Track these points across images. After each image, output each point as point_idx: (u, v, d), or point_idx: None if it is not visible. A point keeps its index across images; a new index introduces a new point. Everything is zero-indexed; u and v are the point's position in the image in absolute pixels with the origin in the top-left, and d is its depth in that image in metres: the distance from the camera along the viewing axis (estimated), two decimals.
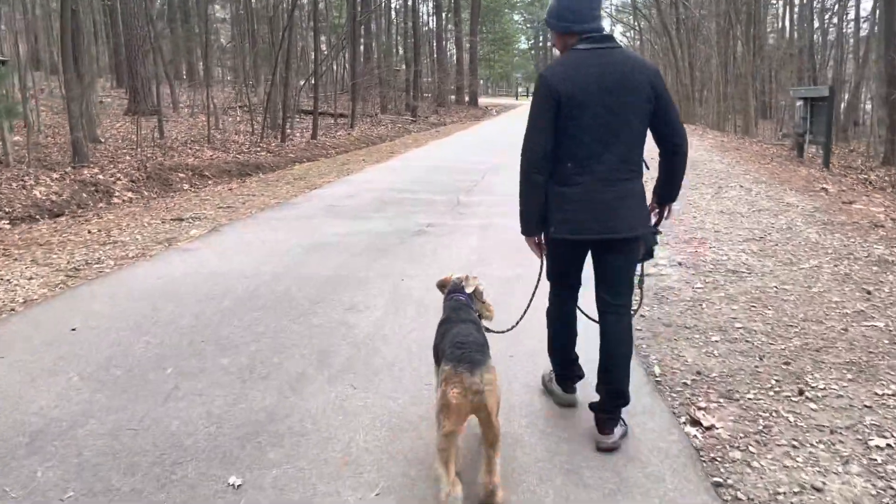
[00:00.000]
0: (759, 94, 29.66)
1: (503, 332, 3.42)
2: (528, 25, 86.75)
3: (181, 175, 13.31)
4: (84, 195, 10.79)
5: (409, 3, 34.57)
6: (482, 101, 47.65)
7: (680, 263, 6.12)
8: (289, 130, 20.62)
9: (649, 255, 3.18)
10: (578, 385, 3.42)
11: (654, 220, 3.27)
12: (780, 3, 32.61)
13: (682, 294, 5.26)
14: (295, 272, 5.88)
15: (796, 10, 33.60)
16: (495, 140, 19.79)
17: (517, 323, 3.49)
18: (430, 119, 30.89)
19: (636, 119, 2.94)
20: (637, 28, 60.45)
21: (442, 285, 3.31)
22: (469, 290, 3.16)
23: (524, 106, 47.02)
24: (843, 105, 28.81)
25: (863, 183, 11.95)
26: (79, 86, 13.53)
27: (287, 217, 8.47)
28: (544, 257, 3.27)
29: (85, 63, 15.39)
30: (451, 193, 10.10)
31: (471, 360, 2.49)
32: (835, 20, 34.06)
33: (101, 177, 11.73)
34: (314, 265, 6.12)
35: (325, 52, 31.53)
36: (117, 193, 11.31)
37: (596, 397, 3.13)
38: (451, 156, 15.46)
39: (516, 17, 79.56)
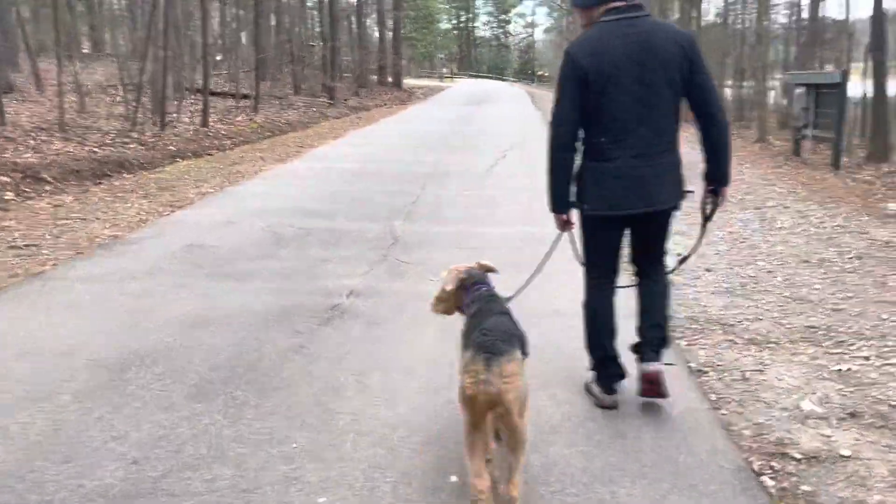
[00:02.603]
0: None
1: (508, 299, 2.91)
2: (451, 5, 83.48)
3: (4, 179, 9.51)
4: None
5: None
6: (406, 82, 44.06)
7: (852, 414, 3.10)
8: (174, 115, 16.78)
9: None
10: (621, 386, 3.12)
11: (708, 209, 3.15)
12: None
13: None
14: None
15: None
16: (430, 130, 16.45)
17: (523, 287, 3.22)
18: (349, 102, 27.19)
19: (669, 90, 2.85)
20: (567, 9, 58.14)
21: (462, 286, 2.85)
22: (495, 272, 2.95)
23: (451, 89, 43.69)
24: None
25: None
26: None
27: (108, 274, 5.02)
28: (577, 239, 3.18)
29: None
30: (383, 220, 6.82)
31: (491, 349, 2.24)
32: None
33: None
34: (82, 461, 2.78)
35: (230, 23, 27.47)
36: None
37: None
38: (377, 153, 12.09)
39: None
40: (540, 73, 73.21)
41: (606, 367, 3.11)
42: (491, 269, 2.97)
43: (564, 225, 3.14)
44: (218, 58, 30.17)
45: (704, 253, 5.65)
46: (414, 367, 3.52)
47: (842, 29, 32.28)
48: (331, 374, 3.43)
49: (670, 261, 3.32)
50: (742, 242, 6.00)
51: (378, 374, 3.43)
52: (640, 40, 2.80)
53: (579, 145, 2.98)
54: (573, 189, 3.04)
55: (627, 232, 3.14)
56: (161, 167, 11.37)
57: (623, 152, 2.88)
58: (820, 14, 28.09)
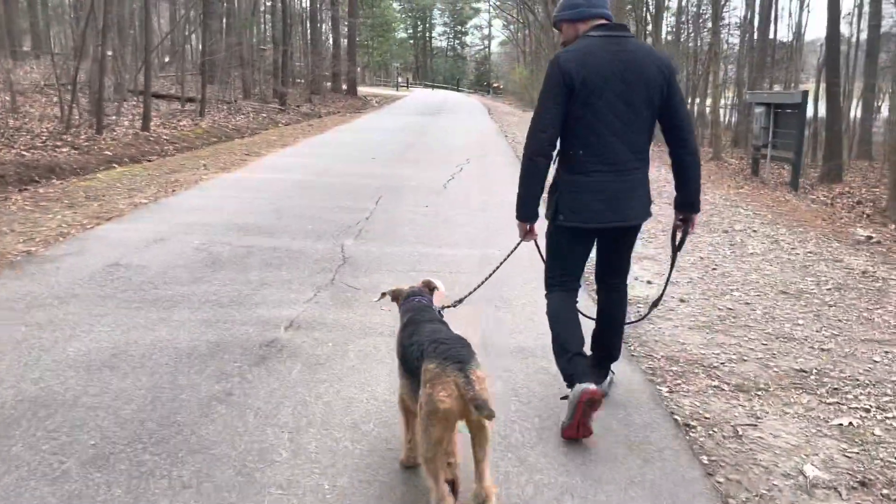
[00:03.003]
0: None
1: (450, 306, 3.01)
2: (407, 14, 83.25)
3: None
4: None
5: None
6: (361, 90, 43.46)
7: (863, 483, 2.70)
8: (114, 117, 15.93)
9: None
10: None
11: (678, 237, 3.24)
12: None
13: None
14: None
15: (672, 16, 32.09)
16: (384, 141, 15.93)
17: (469, 294, 3.21)
18: (301, 108, 26.49)
19: (648, 110, 2.91)
20: (522, 23, 58.30)
21: (395, 296, 2.90)
22: (440, 290, 2.89)
23: (407, 98, 43.26)
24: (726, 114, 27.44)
25: (862, 213, 9.27)
26: None
27: (12, 300, 4.37)
28: (541, 249, 3.26)
29: None
30: (332, 238, 6.29)
31: (459, 357, 2.20)
32: (709, 24, 33.01)
33: None
34: None
35: (179, 24, 26.54)
36: None
37: None
38: (328, 163, 11.51)
39: (395, 5, 75.95)
40: (495, 84, 73.38)
41: (578, 365, 2.94)
42: (433, 287, 2.92)
43: (528, 234, 3.12)
44: (166, 59, 29.15)
45: (677, 280, 5.28)
46: (359, 422, 3.01)
47: (791, 50, 33.08)
48: (260, 430, 2.90)
49: (643, 289, 3.01)
50: (714, 269, 5.65)
51: (316, 431, 2.91)
52: (627, 59, 2.86)
53: (554, 154, 2.98)
54: (548, 200, 3.07)
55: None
56: (94, 173, 10.62)
57: (600, 166, 2.91)
58: (770, 36, 28.69)
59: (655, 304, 3.55)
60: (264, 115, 22.14)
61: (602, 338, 3.24)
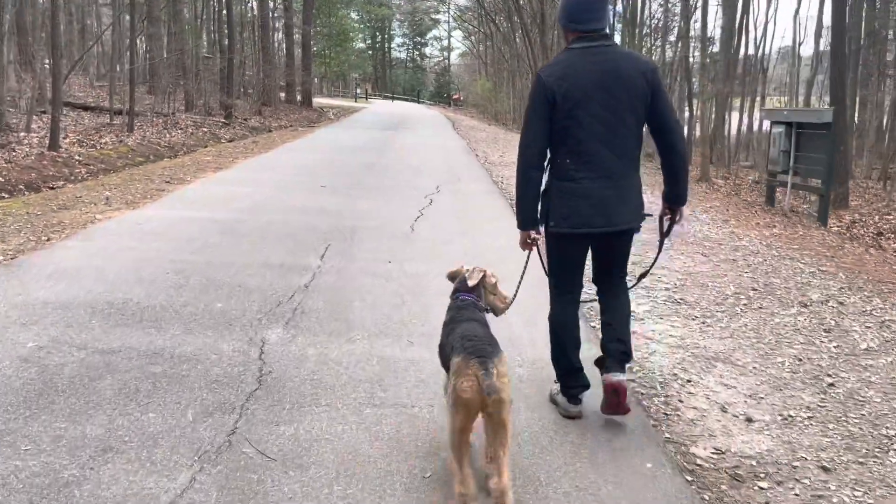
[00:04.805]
0: None
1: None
2: (365, 25, 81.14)
3: None
4: None
5: None
6: (317, 101, 41.16)
7: None
8: (22, 134, 13.60)
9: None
10: (584, 396, 3.23)
11: (665, 226, 3.28)
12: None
13: None
14: None
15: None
16: (339, 162, 13.75)
17: (510, 303, 3.20)
18: (250, 122, 24.12)
19: (632, 115, 2.99)
20: (484, 33, 56.75)
21: (452, 277, 3.16)
22: (472, 282, 2.97)
23: (366, 110, 41.11)
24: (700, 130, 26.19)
25: None
26: None
27: None
28: (543, 257, 3.28)
29: None
30: (245, 327, 4.18)
31: (483, 352, 2.39)
32: (670, 38, 31.83)
33: None
34: None
35: (110, 27, 24.10)
36: None
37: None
38: (266, 194, 9.31)
39: (353, 15, 73.77)
40: (455, 96, 71.72)
41: (571, 379, 3.18)
42: (471, 277, 3.00)
43: (530, 243, 3.18)
44: (105, 69, 26.57)
45: (789, 414, 3.33)
46: None
47: (756, 63, 31.88)
48: None
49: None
50: (831, 385, 3.71)
51: None
52: (608, 68, 2.94)
53: (546, 164, 3.09)
54: (541, 207, 3.12)
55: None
56: None
57: (588, 174, 3.00)
58: (742, 50, 27.51)
59: (643, 275, 3.64)
60: (205, 129, 19.82)
61: (611, 331, 3.19)
